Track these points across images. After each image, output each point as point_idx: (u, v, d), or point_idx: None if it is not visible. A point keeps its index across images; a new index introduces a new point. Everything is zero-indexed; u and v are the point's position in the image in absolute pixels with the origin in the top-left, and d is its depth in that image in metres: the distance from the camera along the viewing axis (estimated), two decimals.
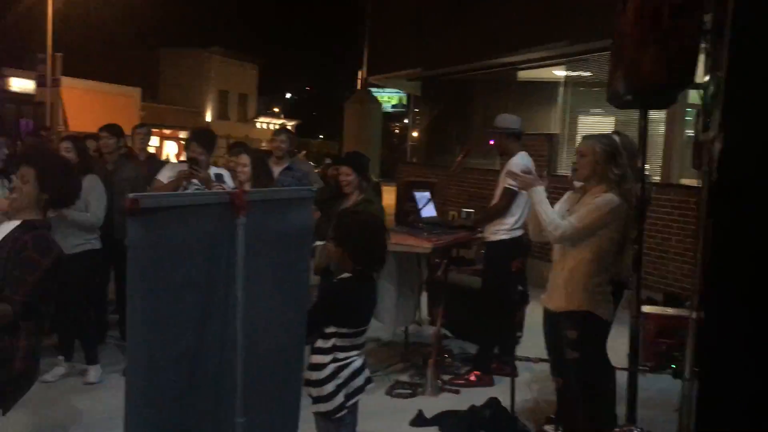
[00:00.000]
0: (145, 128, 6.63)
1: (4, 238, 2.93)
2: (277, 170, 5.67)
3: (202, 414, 2.19)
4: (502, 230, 4.94)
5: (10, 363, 2.86)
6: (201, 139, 5.03)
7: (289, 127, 17.81)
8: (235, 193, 2.13)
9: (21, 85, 19.75)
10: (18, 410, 3.59)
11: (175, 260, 1.97)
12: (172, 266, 1.96)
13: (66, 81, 18.31)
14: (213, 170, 5.06)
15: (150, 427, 2.02)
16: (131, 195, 1.83)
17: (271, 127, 35.01)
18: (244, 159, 4.86)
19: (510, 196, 4.88)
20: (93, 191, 4.84)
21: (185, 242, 2.01)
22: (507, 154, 5.02)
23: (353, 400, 2.89)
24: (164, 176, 5.00)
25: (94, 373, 4.85)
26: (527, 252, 5.37)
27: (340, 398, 2.81)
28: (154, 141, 21.77)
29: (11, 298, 2.77)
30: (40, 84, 17.64)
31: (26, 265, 2.82)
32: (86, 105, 19.78)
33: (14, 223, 2.99)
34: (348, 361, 2.84)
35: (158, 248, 1.92)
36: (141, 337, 1.92)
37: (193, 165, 4.72)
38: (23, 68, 19.47)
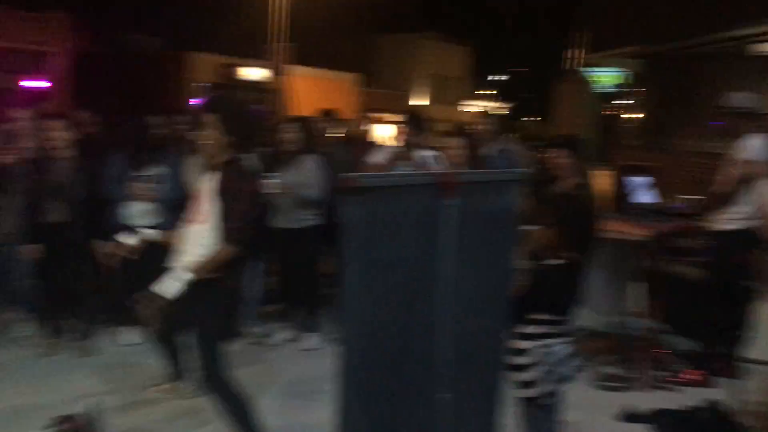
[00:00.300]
0: (363, 114, 6.98)
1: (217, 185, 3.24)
2: (488, 152, 5.68)
3: (410, 386, 2.27)
4: (734, 219, 4.52)
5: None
6: (412, 122, 5.19)
7: (502, 109, 17.72)
8: (445, 175, 2.17)
9: (256, 74, 21.61)
10: (245, 369, 3.99)
11: (386, 238, 2.06)
12: (384, 244, 2.05)
13: (294, 69, 19.84)
14: (423, 153, 5.19)
15: (363, 393, 2.13)
16: (347, 175, 1.94)
17: (486, 109, 34.87)
18: (457, 142, 4.93)
19: (744, 182, 4.45)
20: (315, 171, 5.19)
21: (397, 221, 2.08)
22: (739, 137, 4.57)
23: (559, 388, 2.83)
24: (376, 158, 5.22)
25: (314, 340, 5.25)
26: (759, 244, 4.87)
27: (545, 385, 2.76)
28: (370, 125, 22.74)
29: (229, 229, 3.12)
30: (273, 72, 19.36)
31: (233, 197, 3.15)
32: (309, 91, 21.17)
33: (216, 174, 3.28)
34: (555, 348, 2.78)
35: (371, 226, 2.01)
36: (356, 309, 2.02)
37: (404, 147, 4.89)
38: (258, 58, 21.29)
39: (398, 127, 5.37)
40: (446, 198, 2.15)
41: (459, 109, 37.67)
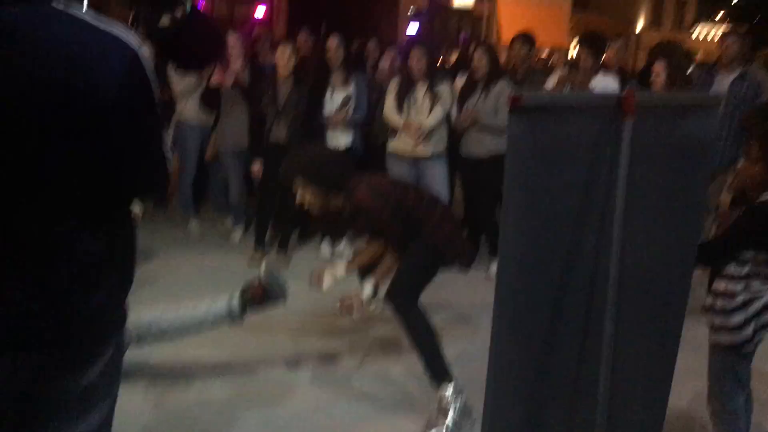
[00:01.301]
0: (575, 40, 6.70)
1: None
2: (725, 79, 5.17)
3: (569, 326, 2.18)
4: None
5: None
6: (587, 43, 5.01)
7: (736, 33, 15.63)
8: (624, 95, 2.00)
9: (462, 1, 21.31)
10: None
11: (553, 161, 1.95)
12: (550, 167, 1.95)
13: None
14: (603, 78, 4.93)
15: (516, 326, 2.09)
16: (514, 93, 1.86)
17: (711, 35, 31.60)
18: (660, 66, 4.54)
19: None
20: (503, 97, 5.09)
21: (566, 144, 1.97)
22: None
23: (761, 336, 2.61)
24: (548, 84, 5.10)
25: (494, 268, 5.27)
26: None
27: (747, 332, 2.56)
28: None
29: None
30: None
31: None
32: (517, 17, 20.45)
33: None
34: (762, 292, 2.55)
35: (537, 147, 1.92)
36: (513, 234, 1.96)
37: (573, 69, 4.79)
38: None
39: (577, 52, 5.20)
40: (623, 120, 1.98)
41: (681, 33, 34.41)
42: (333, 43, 5.41)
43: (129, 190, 1.52)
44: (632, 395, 2.44)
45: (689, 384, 3.35)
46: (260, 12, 12.80)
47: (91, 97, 1.30)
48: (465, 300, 4.77)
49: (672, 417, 3.10)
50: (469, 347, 3.94)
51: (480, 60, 5.21)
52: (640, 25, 33.39)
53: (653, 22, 34.00)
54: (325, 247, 5.69)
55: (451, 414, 3.15)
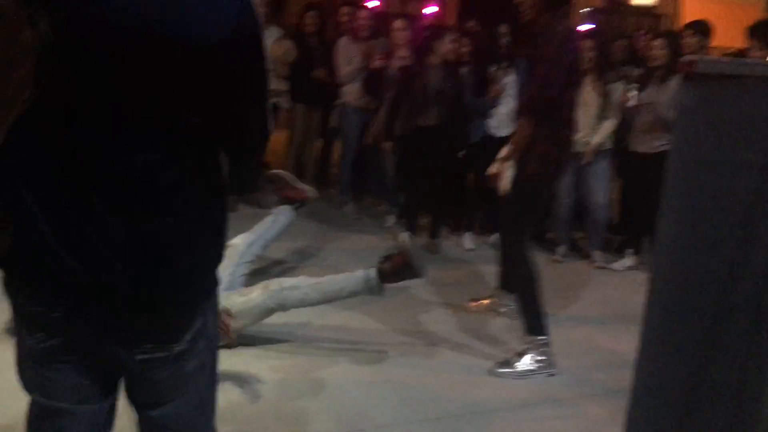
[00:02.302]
0: None
1: None
2: None
3: (734, 327, 1.95)
4: None
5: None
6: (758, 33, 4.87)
7: None
8: None
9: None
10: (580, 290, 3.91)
11: (729, 137, 1.75)
12: (724, 143, 1.75)
13: None
14: None
15: (671, 325, 1.92)
16: (688, 58, 1.69)
17: None
18: None
19: None
20: None
21: (744, 118, 1.76)
22: None
23: None
24: None
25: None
26: None
27: None
28: None
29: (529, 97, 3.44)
30: None
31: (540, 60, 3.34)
32: (706, 15, 19.08)
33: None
34: None
35: (711, 120, 1.73)
36: (674, 218, 1.79)
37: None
38: None
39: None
40: None
41: None
42: (502, 30, 5.32)
43: (228, 141, 1.47)
44: None
45: None
46: (432, 8, 12.86)
47: (202, 41, 1.30)
48: (619, 301, 4.53)
49: None
50: (614, 347, 3.75)
51: (660, 49, 4.89)
52: None
53: None
54: (468, 241, 5.60)
55: (527, 359, 3.43)
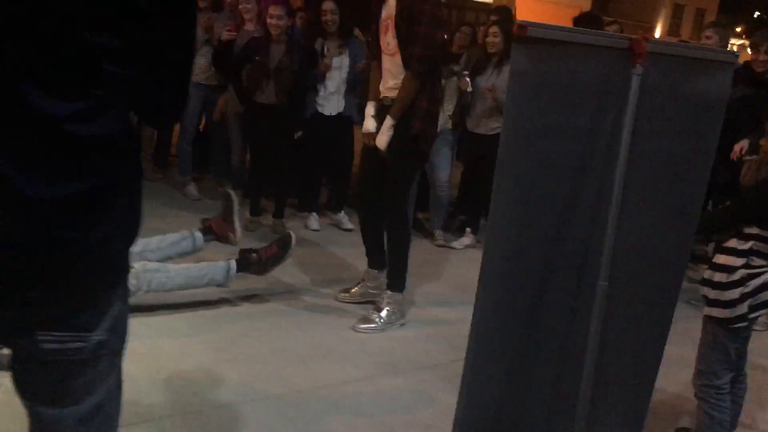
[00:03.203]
0: None
1: None
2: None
3: (561, 273, 2.08)
4: None
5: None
6: (580, 23, 4.97)
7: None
8: (635, 39, 1.88)
9: None
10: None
11: (556, 99, 1.85)
12: (551, 105, 1.84)
13: None
14: None
15: (504, 284, 2.00)
16: (520, 22, 1.74)
17: (730, 47, 31.29)
18: None
19: None
20: None
21: (570, 83, 1.86)
22: None
23: (757, 314, 2.51)
24: None
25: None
26: None
27: (742, 308, 2.46)
28: None
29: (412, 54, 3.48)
30: None
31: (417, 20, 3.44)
32: (537, 16, 20.26)
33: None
34: (762, 269, 2.45)
35: (540, 84, 1.81)
36: (508, 179, 1.85)
37: None
38: None
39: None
40: (633, 66, 1.87)
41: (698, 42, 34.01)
42: (328, 6, 5.22)
43: (145, 98, 1.28)
44: (619, 375, 2.35)
45: (680, 373, 3.26)
46: None
47: None
48: (456, 276, 4.70)
49: (659, 403, 3.01)
50: (452, 316, 3.92)
51: (495, 35, 5.09)
52: (657, 33, 33.12)
53: (671, 32, 33.71)
54: (314, 222, 5.55)
55: (385, 311, 3.69)
